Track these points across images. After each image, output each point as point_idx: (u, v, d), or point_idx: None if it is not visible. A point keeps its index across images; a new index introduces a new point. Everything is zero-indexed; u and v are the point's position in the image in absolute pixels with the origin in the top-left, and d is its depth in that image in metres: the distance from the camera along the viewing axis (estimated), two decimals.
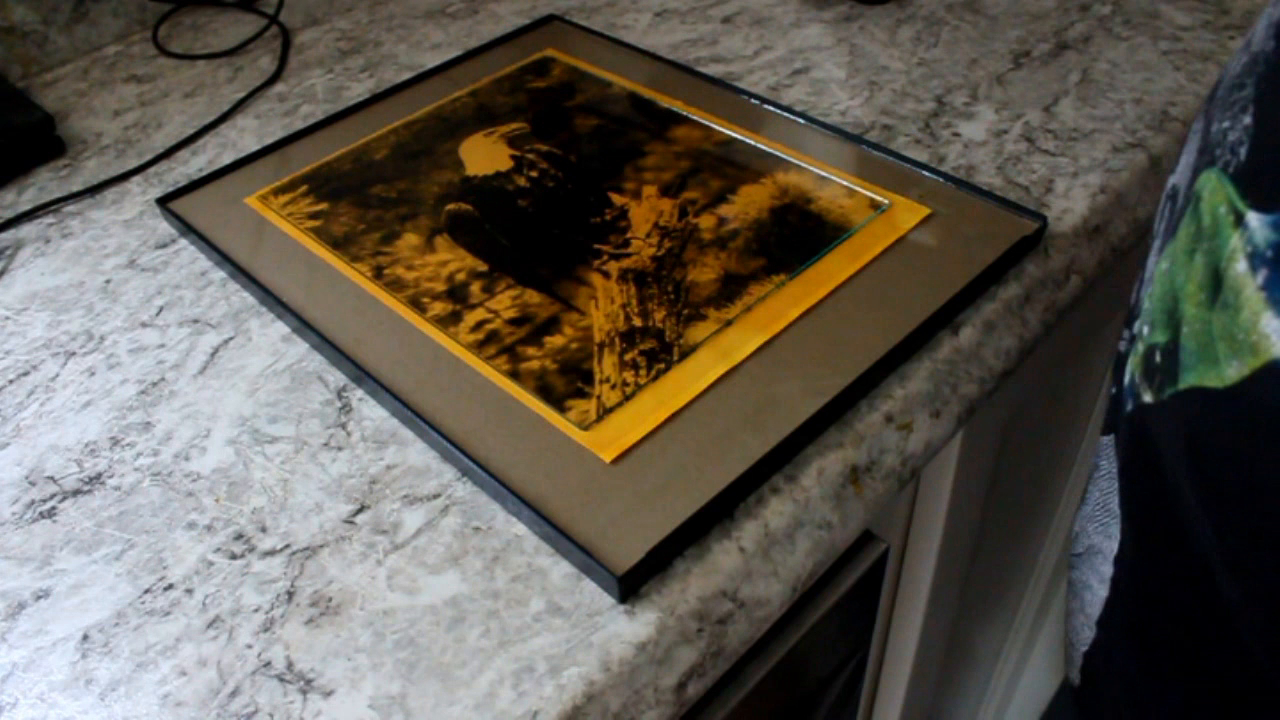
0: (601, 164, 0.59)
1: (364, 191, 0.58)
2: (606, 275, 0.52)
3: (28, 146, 0.64)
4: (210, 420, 0.47)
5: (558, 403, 0.45)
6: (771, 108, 0.62)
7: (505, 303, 0.50)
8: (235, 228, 0.57)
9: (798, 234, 0.53)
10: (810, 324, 0.48)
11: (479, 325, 0.49)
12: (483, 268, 0.53)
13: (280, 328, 0.52)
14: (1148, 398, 0.34)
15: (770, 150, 0.59)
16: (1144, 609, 0.37)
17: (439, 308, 0.50)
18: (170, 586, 0.40)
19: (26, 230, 0.60)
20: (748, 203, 0.55)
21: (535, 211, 0.56)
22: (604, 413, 0.44)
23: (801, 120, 0.61)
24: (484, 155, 0.61)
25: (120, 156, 0.65)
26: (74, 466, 0.45)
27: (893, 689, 0.77)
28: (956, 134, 0.61)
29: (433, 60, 0.72)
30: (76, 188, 0.63)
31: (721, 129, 0.61)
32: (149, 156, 0.65)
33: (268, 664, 0.37)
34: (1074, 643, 0.43)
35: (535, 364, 0.47)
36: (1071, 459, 0.85)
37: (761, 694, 0.46)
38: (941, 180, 0.56)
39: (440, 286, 0.52)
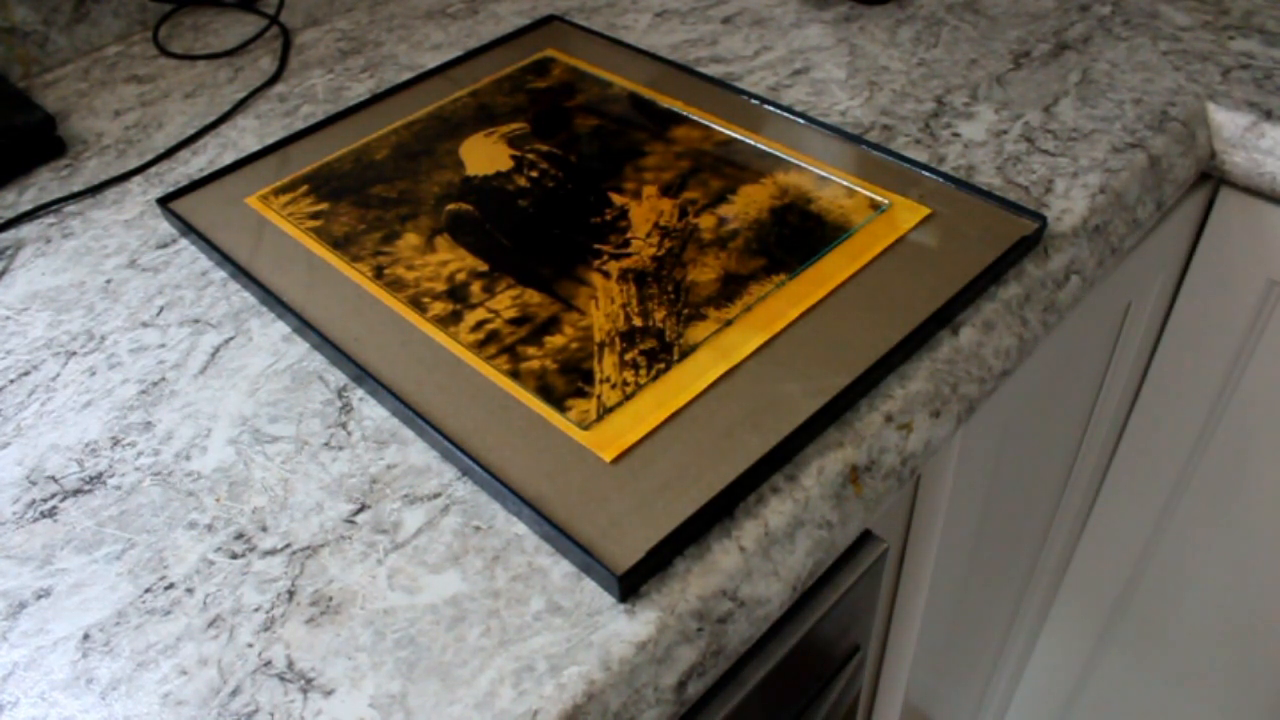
0: (601, 164, 0.59)
1: (364, 191, 0.58)
2: (607, 275, 0.52)
3: (28, 146, 0.65)
4: (211, 420, 0.47)
5: (558, 402, 0.45)
6: (771, 108, 0.62)
7: (505, 302, 0.50)
8: (236, 228, 0.57)
9: (798, 234, 0.53)
10: (810, 324, 0.48)
11: (479, 325, 0.49)
12: (483, 268, 0.53)
13: (281, 327, 0.52)
14: None
15: (770, 150, 0.59)
16: None
17: (439, 307, 0.50)
18: (171, 586, 0.40)
19: (27, 230, 0.60)
20: (748, 203, 0.55)
21: (535, 211, 0.56)
22: (604, 412, 0.44)
23: (801, 120, 0.61)
24: (484, 155, 0.61)
25: (121, 156, 0.66)
26: (75, 466, 0.45)
27: (893, 688, 0.77)
28: (956, 134, 0.61)
29: (433, 60, 0.72)
30: (77, 188, 0.63)
31: (721, 129, 0.61)
32: (150, 156, 0.65)
33: (268, 663, 0.37)
34: None
35: (535, 364, 0.47)
36: (1071, 459, 0.85)
37: (761, 694, 0.46)
38: (941, 180, 0.56)
39: (440, 286, 0.52)
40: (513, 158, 0.60)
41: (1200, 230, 0.74)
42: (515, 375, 0.46)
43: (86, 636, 0.39)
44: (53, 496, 0.44)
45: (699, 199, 0.56)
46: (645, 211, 0.55)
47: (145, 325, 0.53)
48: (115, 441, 0.46)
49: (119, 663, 0.38)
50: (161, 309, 0.53)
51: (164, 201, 0.59)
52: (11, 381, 0.50)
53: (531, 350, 0.48)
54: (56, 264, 0.57)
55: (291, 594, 0.39)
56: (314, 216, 0.57)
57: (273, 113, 0.68)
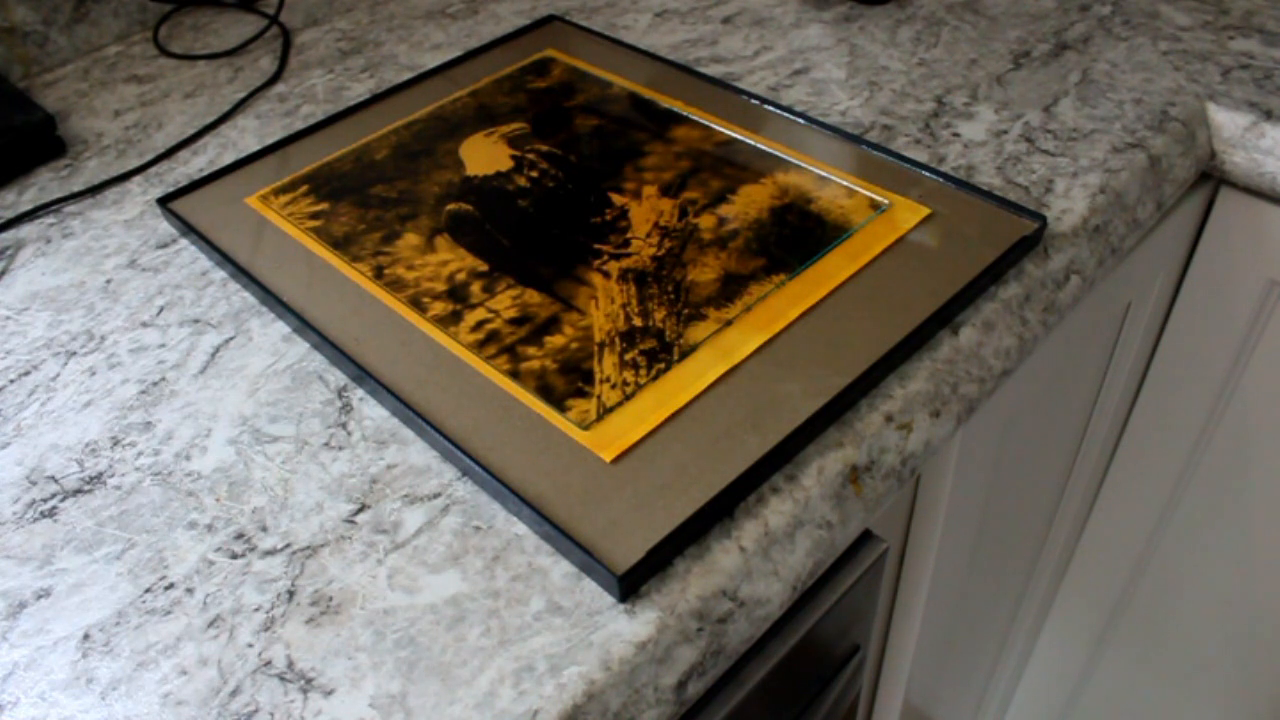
0: (601, 164, 0.59)
1: (364, 191, 0.58)
2: (607, 275, 0.52)
3: (29, 146, 0.65)
4: (211, 420, 0.47)
5: (558, 402, 0.45)
6: (771, 108, 0.62)
7: (505, 302, 0.50)
8: (236, 228, 0.57)
9: (798, 234, 0.53)
10: (810, 324, 0.48)
11: (479, 325, 0.49)
12: (483, 267, 0.53)
13: (281, 327, 0.52)
14: None
15: (770, 150, 0.59)
16: None
17: (439, 307, 0.50)
18: (171, 586, 0.40)
19: (27, 230, 0.60)
20: (748, 203, 0.55)
21: (535, 211, 0.56)
22: (604, 412, 0.44)
23: (801, 120, 0.61)
24: (484, 155, 0.61)
25: (121, 156, 0.66)
26: (75, 466, 0.45)
27: (893, 688, 0.77)
28: (956, 134, 0.61)
29: (433, 60, 0.72)
30: (77, 188, 0.63)
31: (721, 129, 0.61)
32: (150, 156, 0.65)
33: (268, 663, 0.37)
34: None
35: (535, 364, 0.47)
36: (1071, 459, 0.85)
37: (761, 694, 0.46)
38: (941, 180, 0.56)
39: (440, 286, 0.52)
40: (513, 158, 0.60)
41: (1200, 230, 0.74)
42: (515, 375, 0.46)
43: (86, 636, 0.39)
44: (53, 496, 0.44)
45: (699, 199, 0.56)
46: (645, 211, 0.55)
47: (145, 325, 0.53)
48: (115, 441, 0.46)
49: (119, 663, 0.38)
50: (161, 309, 0.53)
51: (164, 201, 0.59)
52: (11, 381, 0.50)
53: (531, 350, 0.48)
54: (56, 264, 0.57)
55: (291, 594, 0.39)
56: (314, 216, 0.57)
57: (273, 113, 0.68)
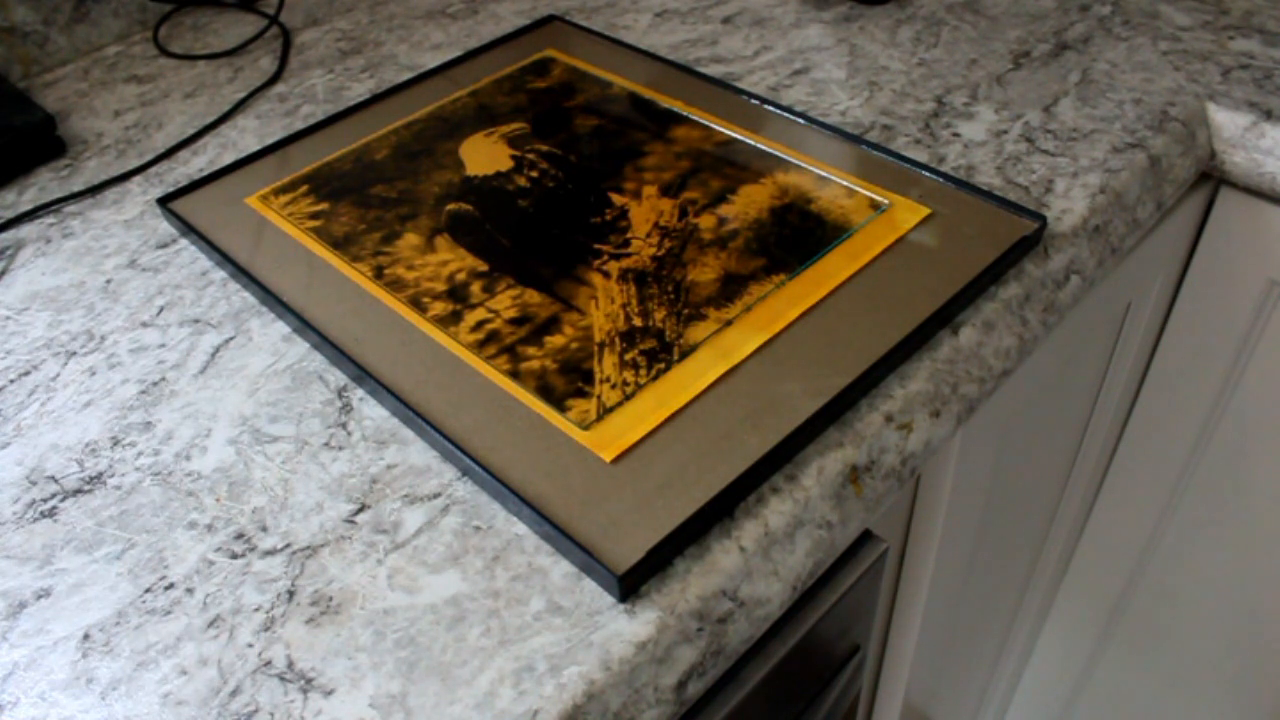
0: (601, 164, 0.59)
1: (364, 191, 0.58)
2: (607, 275, 0.52)
3: (29, 146, 0.65)
4: (211, 420, 0.47)
5: (558, 402, 0.45)
6: (771, 108, 0.62)
7: (505, 302, 0.50)
8: (236, 228, 0.57)
9: (798, 234, 0.53)
10: (810, 324, 0.48)
11: (479, 325, 0.49)
12: (483, 268, 0.53)
13: (281, 327, 0.52)
14: None
15: (770, 150, 0.59)
16: None
17: (439, 307, 0.50)
18: (171, 586, 0.40)
19: (27, 230, 0.60)
20: (748, 203, 0.55)
21: (535, 211, 0.56)
22: (604, 412, 0.44)
23: (801, 120, 0.61)
24: (484, 155, 0.61)
25: (121, 156, 0.66)
26: (75, 466, 0.45)
27: (893, 688, 0.77)
28: (956, 134, 0.61)
29: (433, 60, 0.72)
30: (77, 188, 0.63)
31: (721, 129, 0.61)
32: (150, 156, 0.65)
33: (268, 663, 0.37)
34: None
35: (535, 364, 0.47)
36: (1071, 459, 0.85)
37: (761, 694, 0.46)
38: (941, 180, 0.56)
39: (440, 286, 0.52)
40: (513, 158, 0.60)
41: (1200, 230, 0.74)
42: (515, 375, 0.46)
43: (86, 636, 0.39)
44: (53, 496, 0.44)
45: (699, 199, 0.56)
46: (645, 211, 0.55)
47: (145, 325, 0.53)
48: (115, 441, 0.46)
49: (119, 663, 0.38)
50: (161, 309, 0.53)
51: (164, 201, 0.59)
52: (11, 381, 0.50)
53: (531, 350, 0.48)
54: (56, 264, 0.57)
55: (291, 594, 0.39)
56: (314, 216, 0.57)
57: (273, 113, 0.68)
